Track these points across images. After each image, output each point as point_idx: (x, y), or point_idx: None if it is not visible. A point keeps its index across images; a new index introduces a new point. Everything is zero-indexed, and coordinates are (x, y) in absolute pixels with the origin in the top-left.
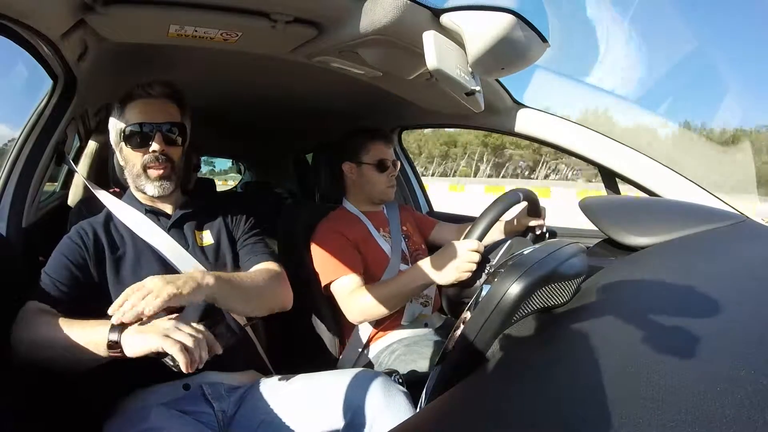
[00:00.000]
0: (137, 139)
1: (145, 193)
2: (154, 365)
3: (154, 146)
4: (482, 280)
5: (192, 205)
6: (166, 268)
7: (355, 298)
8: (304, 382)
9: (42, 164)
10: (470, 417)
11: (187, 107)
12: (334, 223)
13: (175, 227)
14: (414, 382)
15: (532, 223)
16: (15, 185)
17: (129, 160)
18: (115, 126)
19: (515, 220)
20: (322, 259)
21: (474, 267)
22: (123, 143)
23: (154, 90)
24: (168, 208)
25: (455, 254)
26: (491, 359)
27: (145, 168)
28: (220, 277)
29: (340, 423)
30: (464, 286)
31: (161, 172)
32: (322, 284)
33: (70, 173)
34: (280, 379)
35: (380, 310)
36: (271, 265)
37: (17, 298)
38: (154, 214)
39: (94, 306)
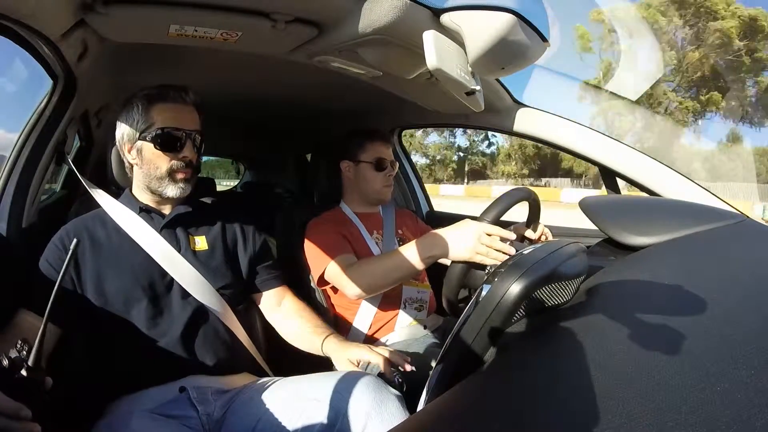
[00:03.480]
0: (168, 142)
1: (161, 194)
2: (142, 370)
3: (186, 153)
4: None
5: (189, 207)
6: (153, 268)
7: (355, 269)
8: (295, 385)
9: (42, 164)
10: (470, 417)
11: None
12: (325, 220)
13: (167, 228)
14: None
15: (528, 234)
16: (15, 185)
17: (152, 161)
18: (135, 124)
19: (512, 229)
20: (314, 251)
21: (494, 255)
22: (149, 144)
23: (189, 97)
24: (165, 209)
25: (472, 234)
26: (491, 359)
27: (171, 172)
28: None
29: (332, 427)
30: (475, 267)
31: (185, 175)
32: (317, 275)
33: (71, 173)
34: (271, 382)
35: (385, 280)
36: (291, 294)
37: (17, 299)
38: (147, 213)
39: (81, 307)
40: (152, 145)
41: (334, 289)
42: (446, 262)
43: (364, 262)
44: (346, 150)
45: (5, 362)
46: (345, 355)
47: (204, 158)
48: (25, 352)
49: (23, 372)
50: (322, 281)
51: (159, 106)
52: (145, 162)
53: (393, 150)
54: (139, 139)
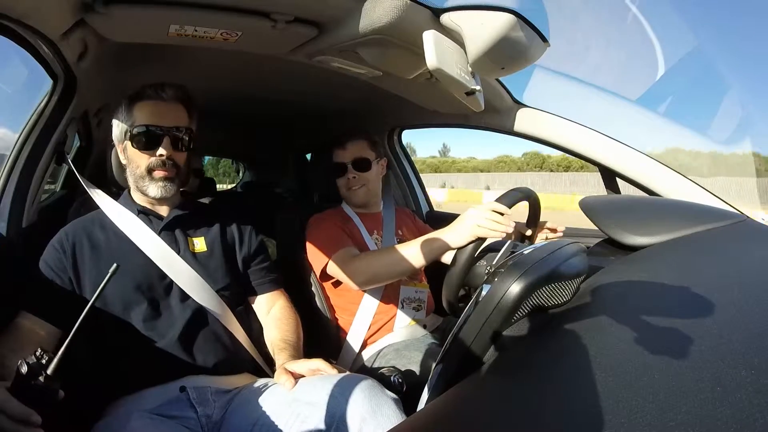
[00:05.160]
0: (144, 141)
1: (146, 194)
2: (142, 371)
3: (162, 150)
4: (503, 249)
5: (188, 208)
6: (153, 271)
7: (359, 259)
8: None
9: (42, 164)
10: (470, 417)
11: (195, 112)
12: (327, 216)
13: (166, 230)
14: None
15: (529, 233)
16: (15, 185)
17: (133, 160)
18: (120, 124)
19: (513, 230)
20: (316, 245)
21: (495, 226)
22: (129, 143)
23: (166, 93)
24: (163, 210)
25: (473, 212)
26: (491, 358)
27: (149, 170)
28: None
29: (327, 431)
30: (486, 249)
31: (166, 173)
32: (320, 269)
33: (71, 173)
34: (269, 384)
35: (389, 271)
36: (283, 300)
37: (17, 299)
38: (146, 215)
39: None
40: (131, 143)
41: (335, 284)
42: (447, 260)
43: (369, 254)
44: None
45: (24, 369)
46: (291, 367)
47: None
48: (44, 361)
49: (41, 379)
50: (324, 275)
51: (138, 104)
52: (129, 161)
53: (392, 149)
54: (125, 139)
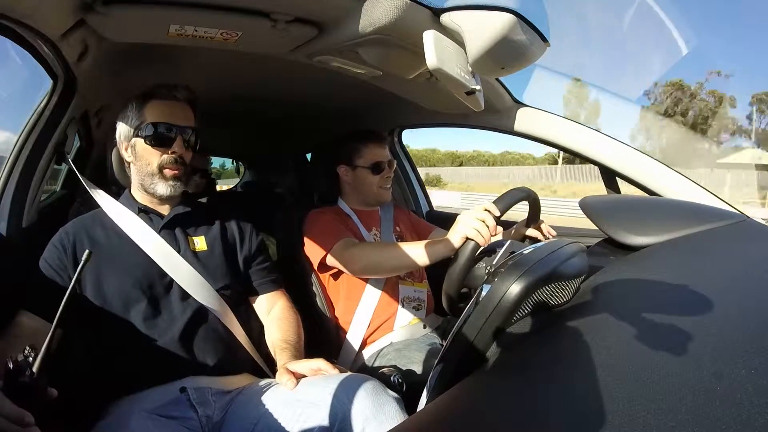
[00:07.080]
0: (158, 138)
1: (153, 193)
2: (141, 370)
3: (175, 148)
4: (503, 249)
5: (188, 207)
6: (153, 269)
7: (359, 247)
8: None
9: (42, 164)
10: (470, 417)
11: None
12: (326, 211)
13: (167, 228)
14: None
15: (530, 232)
16: (15, 185)
17: (144, 157)
18: (130, 122)
19: (512, 230)
20: (315, 237)
21: (484, 228)
22: (141, 140)
23: (180, 93)
24: (164, 209)
25: (470, 212)
26: (491, 358)
27: (161, 168)
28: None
29: (330, 431)
30: (480, 251)
31: (176, 172)
32: (318, 260)
33: (71, 173)
34: (270, 384)
35: (388, 264)
36: (283, 300)
37: (17, 298)
38: (146, 213)
39: (80, 308)
40: (143, 140)
41: (335, 276)
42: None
43: (370, 243)
44: (342, 155)
45: (11, 366)
46: (293, 367)
47: None
48: (31, 358)
49: (27, 377)
50: (323, 266)
51: (151, 103)
52: (138, 158)
53: (391, 149)
54: (133, 136)
